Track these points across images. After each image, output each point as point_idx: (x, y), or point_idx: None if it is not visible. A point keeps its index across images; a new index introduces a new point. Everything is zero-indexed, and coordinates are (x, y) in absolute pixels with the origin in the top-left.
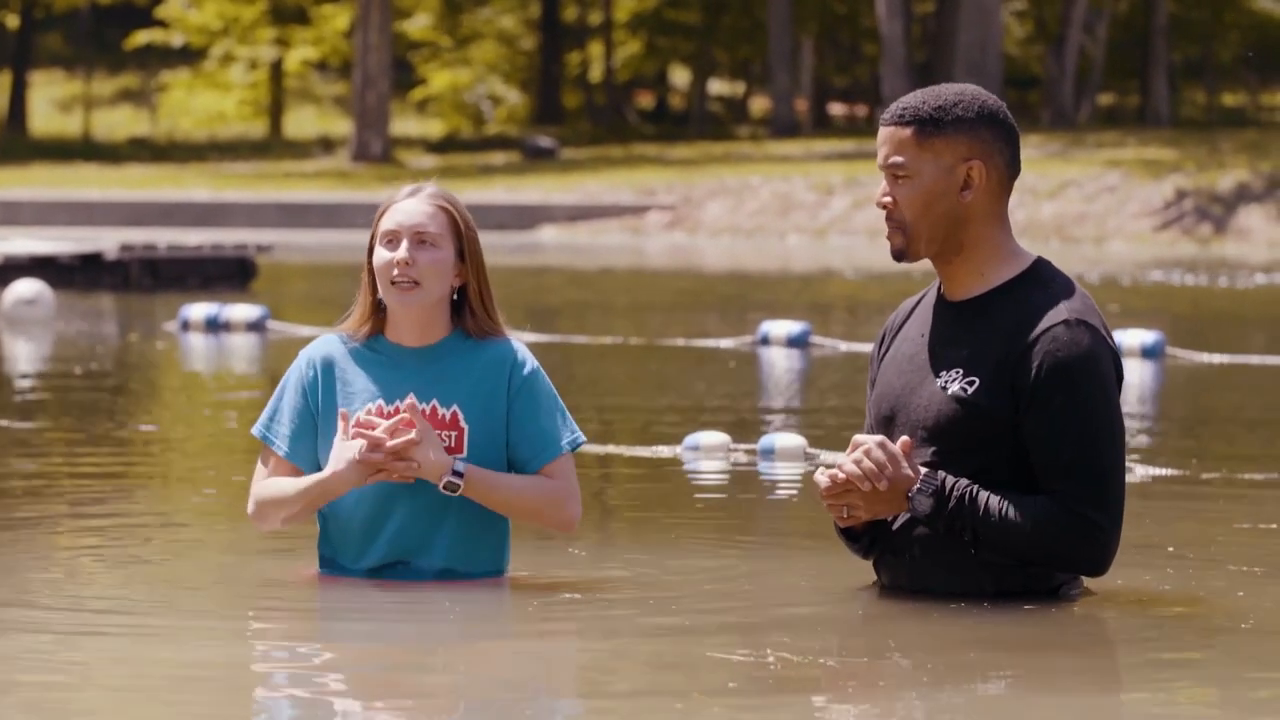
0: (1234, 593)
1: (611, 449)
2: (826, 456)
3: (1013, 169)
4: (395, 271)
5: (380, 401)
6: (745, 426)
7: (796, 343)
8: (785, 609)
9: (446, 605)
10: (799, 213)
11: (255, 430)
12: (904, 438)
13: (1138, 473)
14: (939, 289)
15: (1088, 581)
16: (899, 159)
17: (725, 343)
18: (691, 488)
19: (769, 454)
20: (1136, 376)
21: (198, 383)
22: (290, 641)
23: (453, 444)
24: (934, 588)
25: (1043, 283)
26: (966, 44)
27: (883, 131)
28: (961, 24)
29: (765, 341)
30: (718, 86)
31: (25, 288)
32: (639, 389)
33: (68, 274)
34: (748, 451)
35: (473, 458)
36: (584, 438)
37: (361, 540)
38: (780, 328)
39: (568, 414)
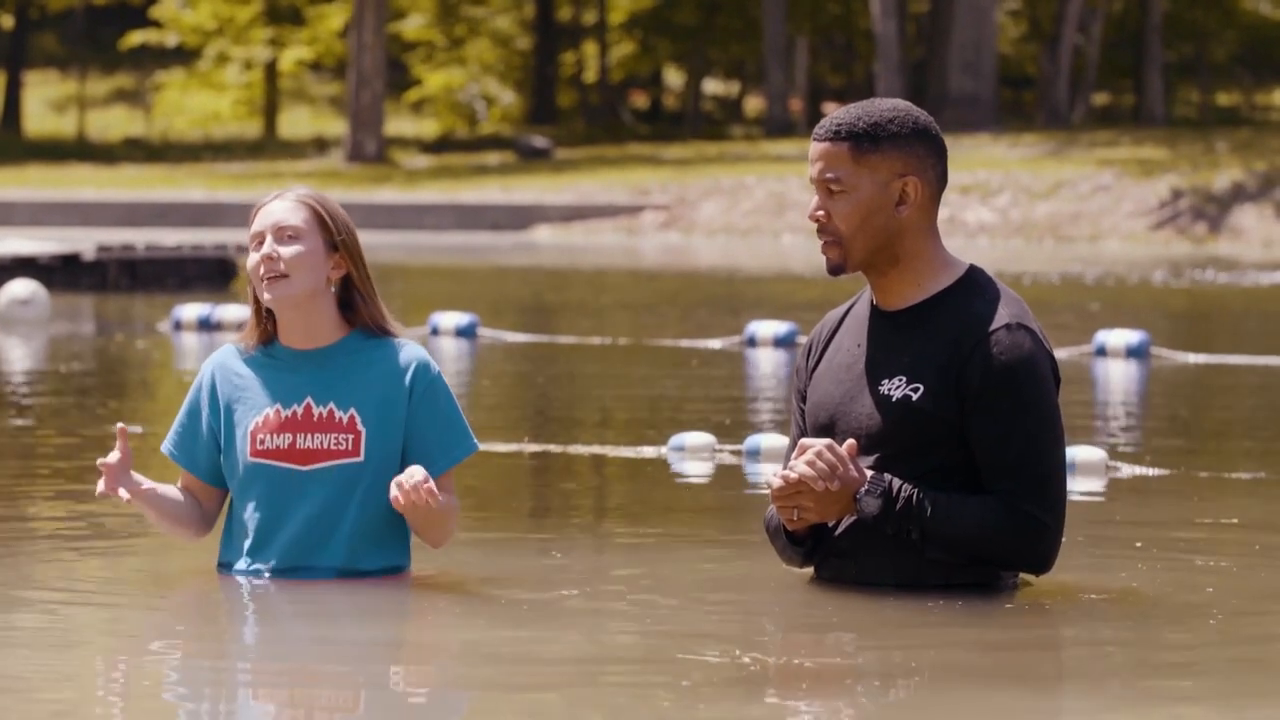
0: (1204, 589)
1: (596, 449)
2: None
3: (942, 182)
4: (263, 268)
5: (278, 405)
6: (731, 427)
7: (783, 343)
8: (768, 610)
9: (431, 607)
10: (794, 212)
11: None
12: (849, 440)
13: (1124, 471)
14: (871, 300)
15: (1051, 577)
16: (835, 174)
17: (714, 343)
18: (676, 488)
19: (754, 454)
20: (1120, 376)
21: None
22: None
23: (349, 447)
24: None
25: (980, 289)
26: (961, 43)
27: (816, 147)
28: (956, 23)
29: (752, 342)
30: (712, 86)
31: (20, 288)
32: (625, 389)
33: (47, 275)
34: (733, 452)
35: (369, 461)
36: (478, 445)
37: (257, 543)
38: (767, 328)
39: (464, 420)
